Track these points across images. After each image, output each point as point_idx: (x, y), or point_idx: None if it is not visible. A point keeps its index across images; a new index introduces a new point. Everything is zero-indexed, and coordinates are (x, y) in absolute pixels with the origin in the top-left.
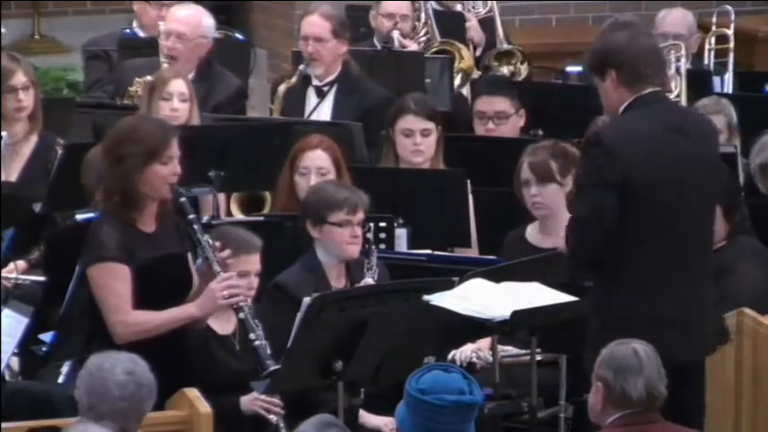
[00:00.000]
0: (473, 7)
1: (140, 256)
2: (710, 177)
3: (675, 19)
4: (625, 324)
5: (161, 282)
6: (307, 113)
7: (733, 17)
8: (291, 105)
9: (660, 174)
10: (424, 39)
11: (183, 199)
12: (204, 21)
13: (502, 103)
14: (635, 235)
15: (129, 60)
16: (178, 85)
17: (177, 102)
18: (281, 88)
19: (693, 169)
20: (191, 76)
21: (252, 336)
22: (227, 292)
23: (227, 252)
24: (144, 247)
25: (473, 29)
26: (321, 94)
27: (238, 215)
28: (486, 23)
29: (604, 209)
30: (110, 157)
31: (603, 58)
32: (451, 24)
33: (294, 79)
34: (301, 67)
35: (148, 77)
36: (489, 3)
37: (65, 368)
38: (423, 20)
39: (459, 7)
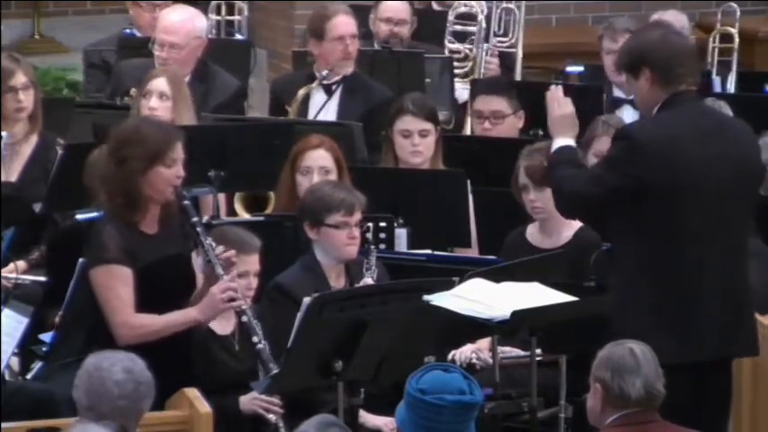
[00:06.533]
0: (498, 41)
1: (143, 258)
2: (744, 179)
3: (669, 21)
4: (653, 323)
5: (164, 283)
6: (313, 111)
7: (738, 15)
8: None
9: (691, 176)
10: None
11: (186, 202)
12: (196, 23)
13: (499, 103)
14: (665, 235)
15: (125, 60)
16: (158, 84)
17: (155, 100)
18: (302, 92)
19: (726, 171)
20: (187, 78)
21: (255, 338)
22: (226, 295)
23: (230, 253)
24: (146, 248)
25: (494, 71)
26: (329, 93)
27: (243, 214)
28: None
29: (610, 195)
30: (113, 158)
31: (638, 57)
32: (434, 24)
33: (314, 84)
34: (324, 72)
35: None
36: (512, 35)
37: (37, 364)
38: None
39: (436, 6)
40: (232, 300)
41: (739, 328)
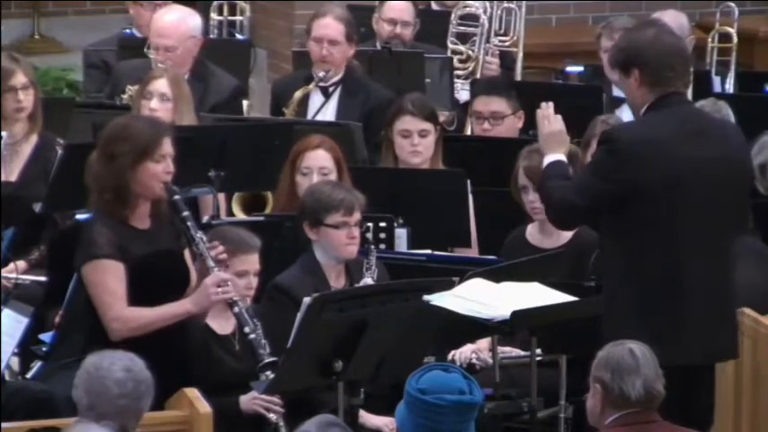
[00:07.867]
0: (498, 40)
1: (135, 253)
2: (734, 180)
3: (669, 21)
4: (641, 324)
5: (157, 278)
6: (311, 113)
7: (737, 15)
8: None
9: (676, 178)
10: None
11: (176, 197)
12: (189, 23)
13: (498, 104)
14: (650, 237)
15: (125, 61)
16: (159, 85)
17: (156, 101)
18: (298, 94)
19: (712, 173)
20: (185, 77)
21: (246, 329)
22: (219, 287)
23: (222, 248)
24: (138, 244)
25: (494, 71)
26: (326, 95)
27: (240, 215)
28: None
29: (598, 202)
30: (102, 155)
31: (628, 56)
32: (434, 24)
33: (311, 86)
34: (321, 74)
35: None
36: (513, 35)
37: (36, 364)
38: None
39: (435, 6)
40: (224, 291)
41: (722, 331)
